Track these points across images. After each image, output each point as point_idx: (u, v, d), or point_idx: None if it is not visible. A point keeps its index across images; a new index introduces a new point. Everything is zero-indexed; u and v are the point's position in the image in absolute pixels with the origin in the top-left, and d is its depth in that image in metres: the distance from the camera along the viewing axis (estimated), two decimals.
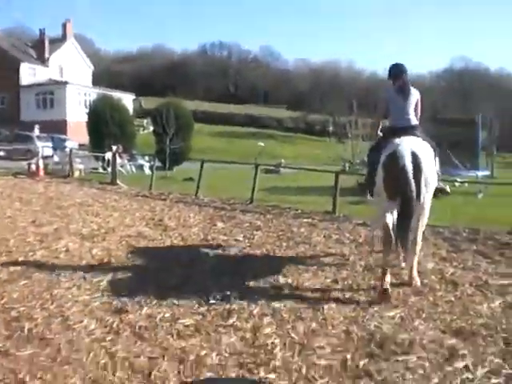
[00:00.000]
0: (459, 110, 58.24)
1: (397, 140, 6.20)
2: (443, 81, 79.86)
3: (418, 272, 6.60)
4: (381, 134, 7.14)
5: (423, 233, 6.71)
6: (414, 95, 6.75)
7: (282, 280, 6.63)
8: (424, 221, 6.45)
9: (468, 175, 20.65)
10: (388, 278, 6.03)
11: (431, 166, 6.20)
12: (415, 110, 6.77)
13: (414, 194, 5.81)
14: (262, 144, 30.60)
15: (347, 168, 23.12)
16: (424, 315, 5.44)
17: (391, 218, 6.12)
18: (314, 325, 5.15)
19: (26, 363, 4.24)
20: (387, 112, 6.91)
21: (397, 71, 6.83)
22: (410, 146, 6.05)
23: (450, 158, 21.33)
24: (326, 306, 5.67)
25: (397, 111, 6.69)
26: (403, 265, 6.69)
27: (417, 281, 6.37)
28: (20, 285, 6.27)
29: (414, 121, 6.70)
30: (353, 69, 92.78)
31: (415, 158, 5.93)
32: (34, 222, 10.28)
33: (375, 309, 5.61)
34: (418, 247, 6.48)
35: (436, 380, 4.06)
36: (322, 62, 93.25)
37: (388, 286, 5.92)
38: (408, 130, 6.49)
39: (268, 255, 8.04)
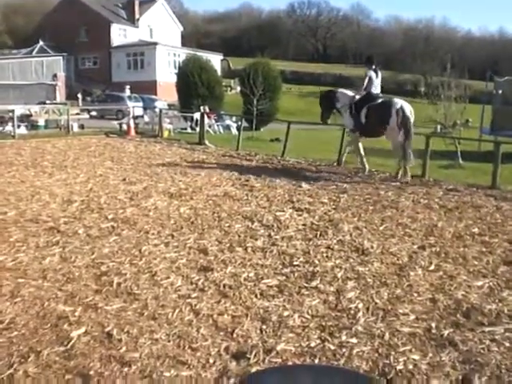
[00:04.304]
0: None
1: (396, 99, 11.63)
2: None
3: (509, 241, 6.89)
4: (357, 97, 11.92)
5: None
6: (380, 74, 11.99)
7: (367, 244, 6.56)
8: None
9: None
10: (401, 172, 11.40)
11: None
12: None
13: (412, 126, 11.16)
14: None
15: (439, 130, 22.29)
16: None
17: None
18: (398, 291, 5.07)
19: (113, 317, 4.42)
20: (369, 84, 11.73)
21: (372, 60, 12.08)
22: (405, 102, 11.34)
23: None
24: (411, 273, 5.57)
25: (374, 84, 11.71)
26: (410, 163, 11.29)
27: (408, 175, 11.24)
28: (110, 241, 6.52)
29: (379, 90, 11.93)
30: (447, 26, 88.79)
31: (410, 108, 11.19)
32: (125, 180, 10.61)
33: (463, 278, 5.46)
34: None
35: None
36: (414, 20, 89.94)
37: (408, 179, 11.13)
38: (379, 95, 11.84)
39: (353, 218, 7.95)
